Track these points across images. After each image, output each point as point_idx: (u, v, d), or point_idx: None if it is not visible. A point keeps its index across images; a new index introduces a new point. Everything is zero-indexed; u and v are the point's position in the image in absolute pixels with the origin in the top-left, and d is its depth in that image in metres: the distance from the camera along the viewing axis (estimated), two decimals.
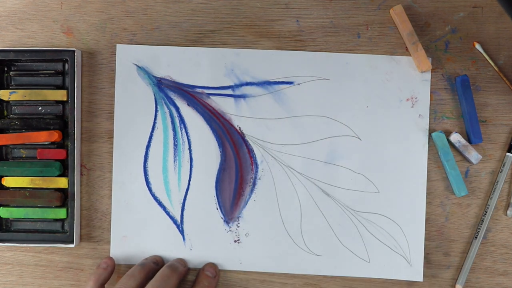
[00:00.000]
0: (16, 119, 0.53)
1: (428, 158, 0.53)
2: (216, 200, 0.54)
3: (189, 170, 0.54)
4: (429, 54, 0.53)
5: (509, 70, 0.53)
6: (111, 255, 0.54)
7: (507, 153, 0.53)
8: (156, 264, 0.52)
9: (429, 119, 0.53)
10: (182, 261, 0.53)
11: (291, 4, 0.54)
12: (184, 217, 0.54)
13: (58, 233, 0.54)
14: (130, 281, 0.49)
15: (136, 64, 0.54)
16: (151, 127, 0.54)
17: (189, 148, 0.54)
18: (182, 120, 0.54)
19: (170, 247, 0.54)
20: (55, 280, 0.55)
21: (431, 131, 0.53)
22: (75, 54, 0.53)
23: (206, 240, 0.54)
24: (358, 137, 0.53)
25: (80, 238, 0.54)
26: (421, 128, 0.53)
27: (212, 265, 0.53)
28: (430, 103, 0.53)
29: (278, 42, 0.54)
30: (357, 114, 0.53)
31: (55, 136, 0.53)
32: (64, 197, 0.54)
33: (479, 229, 0.53)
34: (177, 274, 0.50)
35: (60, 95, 0.53)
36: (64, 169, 0.54)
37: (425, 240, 0.53)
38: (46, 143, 0.54)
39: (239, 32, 0.54)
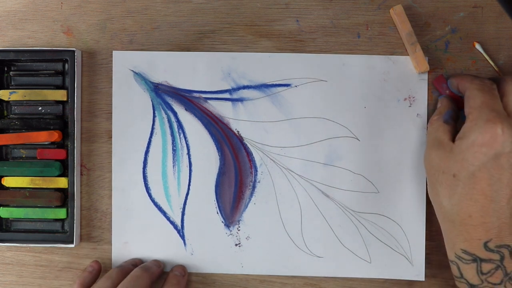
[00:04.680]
0: (16, 119, 0.54)
1: None
2: (216, 204, 0.54)
3: (188, 175, 0.54)
4: (429, 54, 0.53)
5: (509, 70, 0.53)
6: (112, 262, 0.54)
7: None
8: (134, 266, 0.52)
9: (428, 118, 0.53)
10: (157, 262, 0.53)
11: (291, 4, 0.54)
12: (185, 222, 0.54)
13: (58, 233, 0.54)
14: (106, 282, 0.49)
15: (132, 70, 0.54)
16: (149, 132, 0.54)
17: (188, 153, 0.54)
18: (180, 125, 0.54)
19: (171, 252, 0.54)
20: (55, 280, 0.55)
21: None
22: (75, 54, 0.53)
23: (207, 245, 0.54)
24: (357, 137, 0.53)
25: (80, 238, 0.54)
26: (419, 127, 0.53)
27: (181, 266, 0.54)
28: (428, 102, 0.53)
29: (278, 42, 0.54)
30: (355, 115, 0.53)
31: (55, 136, 0.53)
32: (64, 197, 0.54)
33: None
34: (148, 274, 0.50)
35: (60, 95, 0.53)
36: (64, 169, 0.54)
37: (426, 240, 0.53)
38: (46, 143, 0.54)
39: (239, 32, 0.54)
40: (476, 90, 0.47)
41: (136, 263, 0.53)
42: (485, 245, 0.45)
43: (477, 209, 0.45)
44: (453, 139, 0.47)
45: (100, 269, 0.53)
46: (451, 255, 0.48)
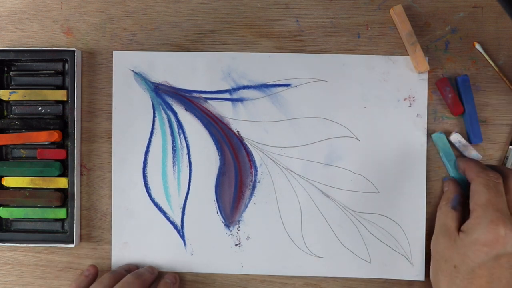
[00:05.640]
0: (16, 119, 0.54)
1: (428, 158, 0.53)
2: (216, 204, 0.54)
3: (188, 175, 0.54)
4: (429, 54, 0.53)
5: (509, 70, 0.53)
6: (112, 262, 0.54)
7: (510, 146, 0.53)
8: (127, 272, 0.52)
9: (430, 119, 0.53)
10: (150, 268, 0.53)
11: (291, 4, 0.54)
12: (185, 222, 0.54)
13: (58, 233, 0.54)
14: (98, 287, 0.49)
15: (133, 70, 0.54)
16: (149, 132, 0.54)
17: (188, 153, 0.54)
18: (180, 125, 0.54)
19: (171, 252, 0.54)
20: (55, 280, 0.55)
21: (431, 131, 0.53)
22: (75, 54, 0.53)
23: (207, 245, 0.54)
24: (357, 137, 0.53)
25: (80, 238, 0.54)
26: (419, 127, 0.53)
27: (173, 274, 0.53)
28: (428, 102, 0.53)
29: (278, 42, 0.54)
30: (355, 115, 0.53)
31: (55, 136, 0.53)
32: (64, 197, 0.54)
33: None
34: (140, 281, 0.50)
35: (60, 95, 0.53)
36: (64, 169, 0.54)
37: (426, 240, 0.53)
38: (46, 143, 0.54)
39: (239, 32, 0.54)
40: (481, 186, 0.47)
41: (130, 268, 0.53)
42: None
43: None
44: (459, 227, 0.48)
45: (96, 274, 0.53)
46: None
